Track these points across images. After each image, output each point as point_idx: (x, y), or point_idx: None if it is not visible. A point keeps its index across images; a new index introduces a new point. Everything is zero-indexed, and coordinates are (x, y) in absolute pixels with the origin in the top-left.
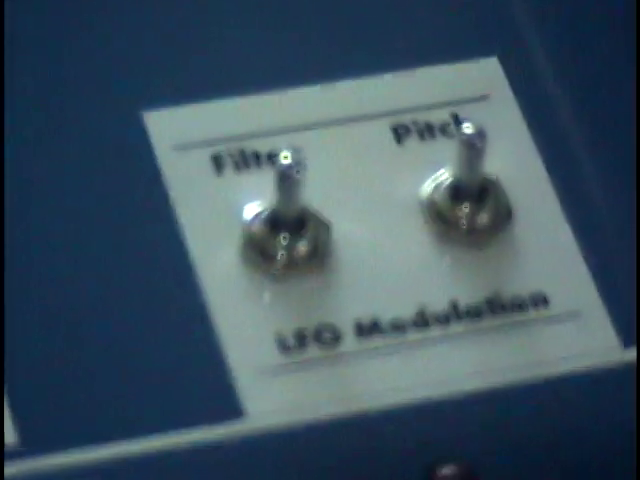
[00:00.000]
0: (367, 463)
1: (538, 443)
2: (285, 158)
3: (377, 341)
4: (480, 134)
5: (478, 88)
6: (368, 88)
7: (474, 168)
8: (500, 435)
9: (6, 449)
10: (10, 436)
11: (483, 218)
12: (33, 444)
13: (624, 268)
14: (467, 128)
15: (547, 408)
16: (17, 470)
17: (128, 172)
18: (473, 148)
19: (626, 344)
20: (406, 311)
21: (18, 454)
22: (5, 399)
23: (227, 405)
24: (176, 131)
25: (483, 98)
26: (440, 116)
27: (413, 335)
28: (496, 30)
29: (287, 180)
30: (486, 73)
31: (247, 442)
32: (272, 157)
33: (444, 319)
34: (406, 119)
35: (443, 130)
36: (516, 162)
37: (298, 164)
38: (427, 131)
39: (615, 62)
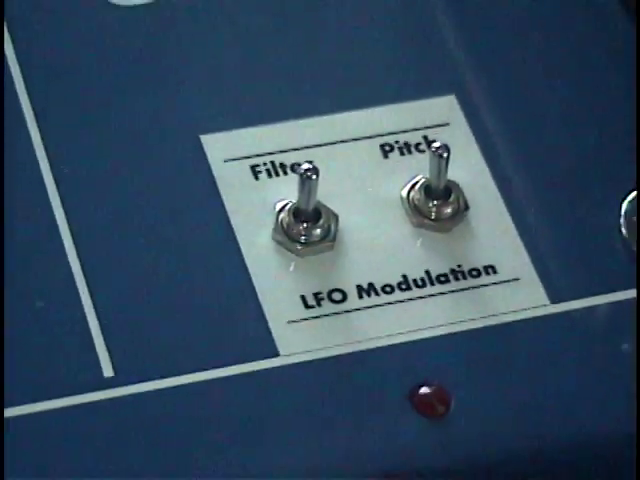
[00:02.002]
0: (368, 386)
1: (491, 369)
2: (305, 167)
3: (373, 300)
4: (445, 148)
5: (441, 117)
6: (363, 118)
7: (441, 174)
8: (464, 365)
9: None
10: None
11: (447, 210)
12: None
13: (550, 245)
14: (436, 144)
15: (496, 347)
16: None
17: (191, 179)
18: (441, 158)
19: (553, 301)
20: (393, 278)
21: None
22: (100, 340)
23: (265, 348)
24: (224, 149)
25: (445, 124)
26: (415, 138)
27: (399, 295)
28: (454, 75)
29: (306, 183)
30: (447, 107)
31: (281, 375)
32: (294, 167)
33: (421, 284)
34: (390, 140)
35: (417, 148)
36: (470, 170)
37: (314, 171)
38: (405, 148)
39: (548, 98)
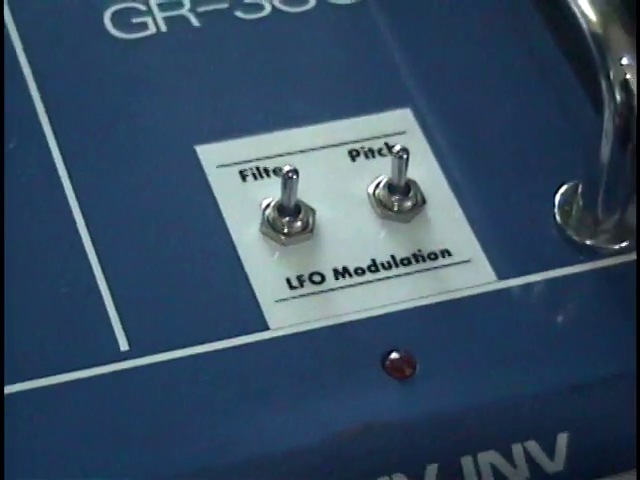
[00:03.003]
0: (345, 354)
1: (450, 336)
2: (287, 168)
3: (347, 281)
4: (405, 151)
5: (399, 127)
6: (333, 129)
7: (402, 173)
8: (427, 334)
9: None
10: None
11: (408, 204)
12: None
13: (495, 231)
14: (397, 147)
15: (454, 318)
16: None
17: (188, 182)
18: (401, 159)
19: (499, 278)
20: (364, 262)
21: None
22: (117, 319)
23: (257, 323)
24: (216, 157)
25: (402, 133)
26: (377, 144)
27: (369, 277)
28: (408, 91)
29: (288, 182)
30: (403, 118)
31: (271, 345)
32: (276, 171)
33: (387, 266)
34: (357, 146)
35: (380, 152)
36: (425, 170)
37: (294, 172)
38: (370, 153)
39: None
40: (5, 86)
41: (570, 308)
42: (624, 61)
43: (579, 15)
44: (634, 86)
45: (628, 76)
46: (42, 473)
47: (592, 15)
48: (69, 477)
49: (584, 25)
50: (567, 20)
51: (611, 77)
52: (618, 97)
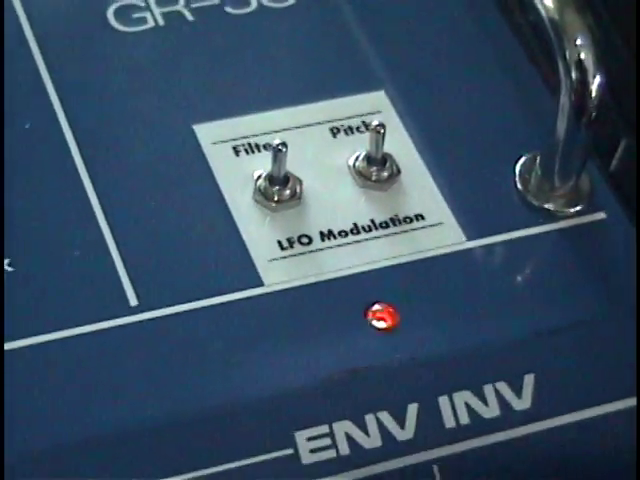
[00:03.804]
0: (332, 307)
1: (425, 290)
2: (277, 142)
3: (332, 242)
4: (382, 126)
5: (375, 107)
6: (316, 109)
7: (379, 146)
8: (405, 288)
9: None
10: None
11: (384, 174)
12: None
13: (464, 197)
14: (375, 122)
15: (428, 274)
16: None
17: (188, 157)
18: (378, 134)
19: (468, 239)
20: (346, 225)
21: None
22: (126, 278)
23: (252, 280)
24: (211, 135)
25: (378, 112)
26: (355, 122)
27: (351, 238)
28: (383, 75)
29: (278, 155)
30: (378, 99)
31: (266, 300)
32: (266, 146)
33: (368, 229)
34: (337, 124)
35: (358, 130)
36: (399, 144)
37: (284, 145)
38: (349, 130)
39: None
40: (21, 75)
41: (531, 264)
42: (578, 42)
43: (537, 3)
44: (588, 64)
45: (582, 55)
46: (51, 427)
47: (549, 2)
48: (79, 430)
49: (542, 11)
50: (526, 8)
51: (567, 57)
52: (574, 75)
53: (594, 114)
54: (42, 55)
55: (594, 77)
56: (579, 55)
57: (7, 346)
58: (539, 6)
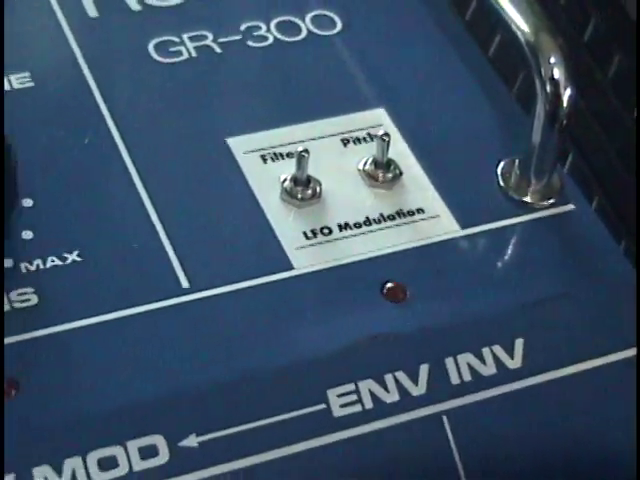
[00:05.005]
0: (352, 286)
1: (429, 270)
2: (301, 149)
3: (349, 232)
4: (387, 135)
5: (377, 121)
6: (329, 124)
7: (384, 152)
8: (411, 269)
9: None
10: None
11: (389, 175)
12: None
13: (456, 194)
14: (381, 132)
15: (431, 257)
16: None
17: (222, 165)
18: (384, 141)
19: (462, 227)
20: (360, 218)
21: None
22: (176, 261)
23: (283, 265)
24: (242, 146)
25: (380, 125)
26: (362, 134)
27: (365, 229)
28: (383, 94)
29: (302, 159)
30: (380, 115)
31: (296, 281)
32: (289, 154)
33: (378, 221)
34: (347, 136)
35: (364, 139)
36: (399, 152)
37: (306, 152)
38: (357, 141)
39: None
40: (77, 99)
41: (515, 247)
42: (552, 60)
43: (515, 28)
44: (560, 79)
45: (555, 72)
46: (110, 402)
47: (525, 27)
48: (132, 404)
49: (519, 34)
50: (504, 32)
51: (542, 73)
52: (548, 88)
53: (565, 122)
54: (95, 82)
55: (565, 89)
56: (552, 72)
57: (78, 324)
58: (516, 30)
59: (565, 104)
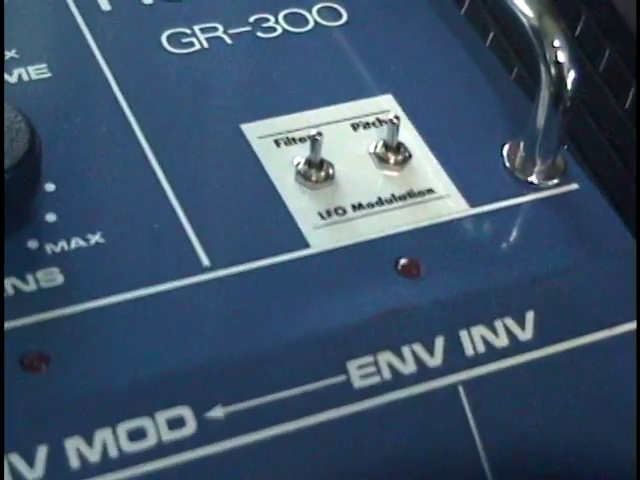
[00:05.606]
0: (367, 262)
1: (439, 245)
2: (314, 132)
3: (362, 212)
4: (397, 118)
5: (385, 106)
6: (339, 109)
7: (394, 135)
8: (423, 245)
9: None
10: (205, 260)
11: (399, 158)
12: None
13: (465, 174)
14: (391, 115)
15: (440, 234)
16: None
17: (238, 150)
18: (394, 124)
19: (471, 207)
20: (372, 199)
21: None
22: (197, 241)
23: (301, 243)
24: (256, 131)
25: (388, 111)
26: (371, 119)
27: (377, 209)
28: (390, 81)
29: (315, 142)
30: (388, 101)
31: (312, 259)
32: (301, 139)
33: (390, 201)
34: (357, 121)
35: (373, 125)
36: (408, 135)
37: (320, 135)
38: (367, 125)
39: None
40: (93, 88)
41: (521, 224)
42: (555, 43)
43: (519, 13)
44: (564, 62)
45: (559, 55)
46: (137, 375)
47: (529, 12)
48: (158, 377)
49: (523, 19)
50: (509, 18)
51: (547, 57)
52: (552, 71)
53: (569, 104)
54: (111, 72)
55: (569, 72)
56: (556, 55)
57: (102, 301)
58: (520, 14)
59: (569, 86)
